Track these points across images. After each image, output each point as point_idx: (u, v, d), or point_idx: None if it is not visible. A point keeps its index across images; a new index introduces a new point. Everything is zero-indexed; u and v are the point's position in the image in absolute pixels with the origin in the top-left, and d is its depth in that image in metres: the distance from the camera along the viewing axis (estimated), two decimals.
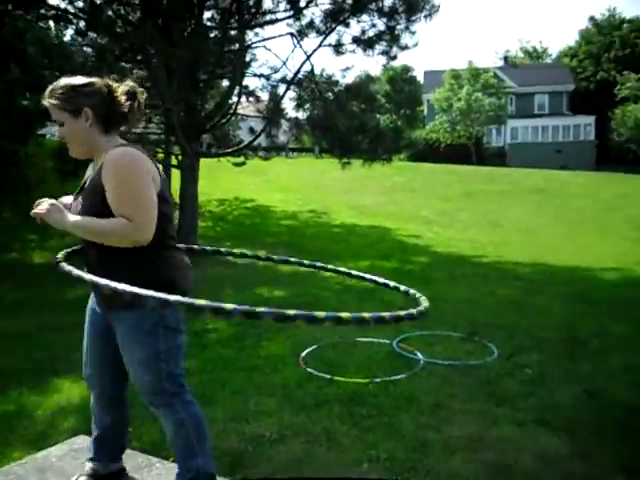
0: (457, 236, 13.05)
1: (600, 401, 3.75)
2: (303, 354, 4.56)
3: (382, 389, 3.88)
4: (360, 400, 3.69)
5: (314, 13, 10.40)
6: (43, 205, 2.02)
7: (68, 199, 2.19)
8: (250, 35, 10.92)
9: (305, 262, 2.55)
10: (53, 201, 2.04)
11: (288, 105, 19.76)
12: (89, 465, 2.33)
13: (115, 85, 2.07)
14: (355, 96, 11.06)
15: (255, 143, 11.17)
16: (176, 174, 10.47)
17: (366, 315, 1.60)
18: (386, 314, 1.64)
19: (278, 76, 10.90)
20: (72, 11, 10.06)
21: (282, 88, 10.78)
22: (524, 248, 11.51)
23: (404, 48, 10.53)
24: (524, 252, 10.89)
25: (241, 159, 11.51)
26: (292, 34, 10.34)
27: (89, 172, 2.16)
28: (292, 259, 2.59)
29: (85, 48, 9.98)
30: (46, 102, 2.02)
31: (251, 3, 10.38)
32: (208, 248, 2.76)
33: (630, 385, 4.02)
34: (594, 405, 3.69)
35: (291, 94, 10.92)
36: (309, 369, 4.23)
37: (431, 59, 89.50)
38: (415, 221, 14.79)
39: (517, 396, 3.80)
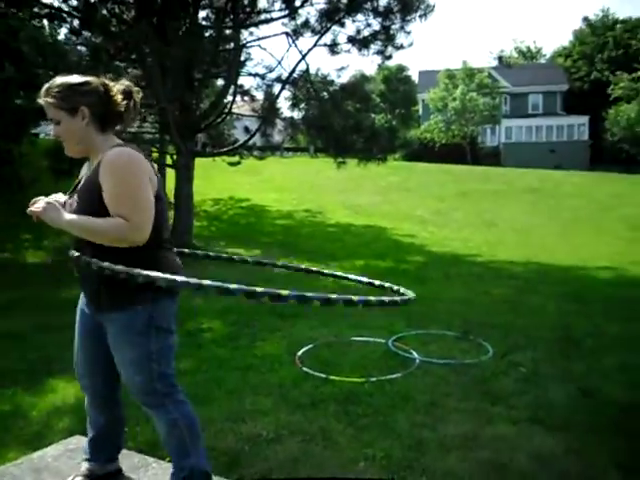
0: (452, 235, 13.09)
1: (594, 400, 3.76)
2: (299, 353, 4.56)
3: (378, 388, 3.89)
4: (356, 399, 3.69)
5: (309, 12, 10.44)
6: (39, 203, 2.02)
7: (61, 197, 2.18)
8: (245, 34, 10.95)
9: (291, 265, 2.87)
10: (49, 199, 2.04)
11: (283, 104, 19.83)
12: (85, 465, 2.33)
13: (111, 84, 2.07)
14: (350, 96, 11.10)
15: (250, 142, 11.19)
16: (171, 173, 10.44)
17: (354, 297, 1.80)
18: (373, 298, 1.85)
19: (273, 75, 10.95)
20: (66, 10, 10.04)
21: (277, 87, 10.81)
22: (519, 247, 11.55)
23: (399, 48, 10.58)
24: (519, 251, 10.93)
25: (236, 158, 11.53)
26: (287, 33, 10.36)
27: (84, 171, 2.16)
28: (279, 263, 2.75)
29: (79, 47, 9.97)
30: (42, 100, 2.01)
31: (246, 2, 10.38)
32: (199, 252, 2.91)
33: (624, 384, 4.03)
34: (588, 404, 3.71)
35: (286, 93, 10.93)
36: (305, 368, 4.23)
37: (426, 59, 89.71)
38: (410, 221, 14.81)
39: (512, 395, 3.81)
